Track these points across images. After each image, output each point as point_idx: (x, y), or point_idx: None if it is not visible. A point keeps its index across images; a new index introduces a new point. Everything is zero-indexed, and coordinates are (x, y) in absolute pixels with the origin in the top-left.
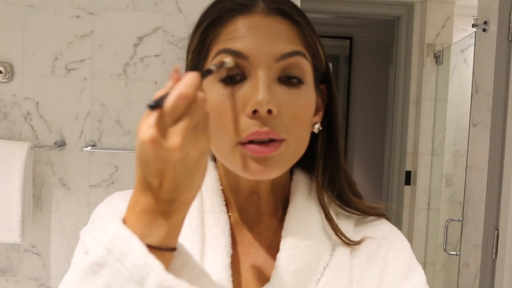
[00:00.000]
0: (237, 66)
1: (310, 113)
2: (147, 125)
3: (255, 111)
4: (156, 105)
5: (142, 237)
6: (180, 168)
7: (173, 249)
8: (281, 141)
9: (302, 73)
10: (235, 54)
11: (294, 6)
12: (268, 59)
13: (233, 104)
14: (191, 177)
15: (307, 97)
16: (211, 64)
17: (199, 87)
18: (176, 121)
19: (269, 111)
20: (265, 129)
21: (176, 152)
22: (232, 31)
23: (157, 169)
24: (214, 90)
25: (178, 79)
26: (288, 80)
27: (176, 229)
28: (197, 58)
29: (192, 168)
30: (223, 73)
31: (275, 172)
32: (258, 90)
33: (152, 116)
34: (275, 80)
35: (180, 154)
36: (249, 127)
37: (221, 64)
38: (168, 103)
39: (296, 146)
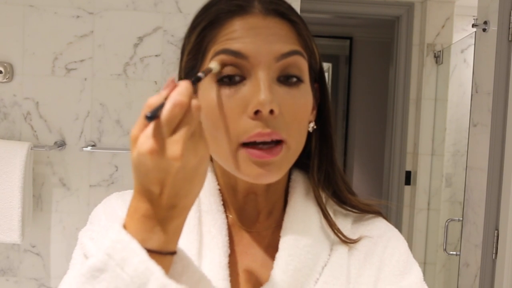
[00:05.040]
0: (236, 66)
1: (308, 112)
2: (145, 136)
3: (257, 112)
4: (154, 116)
5: (142, 242)
6: (181, 175)
7: (173, 253)
8: (282, 143)
9: (301, 72)
10: (234, 54)
11: (290, 6)
12: (268, 59)
13: (233, 105)
14: (191, 183)
15: (305, 97)
16: (208, 64)
17: (193, 95)
18: (174, 130)
19: (271, 111)
20: (268, 130)
21: (177, 162)
22: (230, 32)
23: (157, 178)
24: (212, 91)
25: (174, 88)
26: (287, 79)
27: (176, 233)
28: (193, 60)
29: (191, 174)
30: (220, 74)
31: (277, 176)
32: (260, 90)
33: (150, 127)
34: (275, 80)
35: (180, 163)
36: (252, 128)
37: (209, 70)
38: (165, 113)
39: (295, 147)
